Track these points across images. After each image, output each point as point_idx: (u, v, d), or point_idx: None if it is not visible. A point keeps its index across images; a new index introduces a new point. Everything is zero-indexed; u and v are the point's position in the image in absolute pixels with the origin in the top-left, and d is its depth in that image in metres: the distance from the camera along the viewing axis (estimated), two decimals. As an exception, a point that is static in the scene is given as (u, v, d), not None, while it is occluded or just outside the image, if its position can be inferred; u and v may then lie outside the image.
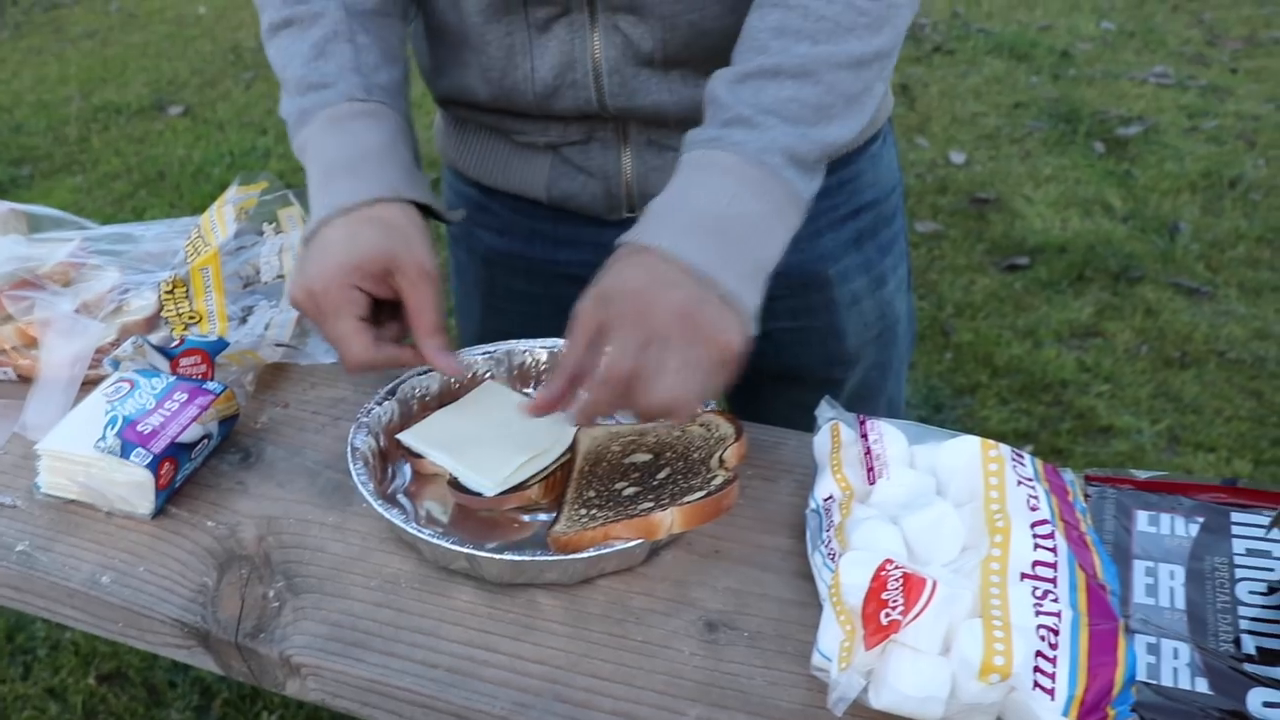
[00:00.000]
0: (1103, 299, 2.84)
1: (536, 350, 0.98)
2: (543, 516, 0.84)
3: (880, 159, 1.11)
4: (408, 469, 0.89)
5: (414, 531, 0.78)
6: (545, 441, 0.88)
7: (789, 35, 0.82)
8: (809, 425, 0.87)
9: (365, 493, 0.81)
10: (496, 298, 1.17)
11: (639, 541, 0.76)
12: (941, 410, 2.49)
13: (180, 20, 5.47)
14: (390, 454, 0.89)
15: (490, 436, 0.88)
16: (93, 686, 1.90)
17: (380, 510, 0.79)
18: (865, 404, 1.19)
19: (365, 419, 0.88)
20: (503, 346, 0.98)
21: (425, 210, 0.90)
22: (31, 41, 5.27)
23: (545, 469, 0.86)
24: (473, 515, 0.85)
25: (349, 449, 0.85)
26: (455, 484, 0.85)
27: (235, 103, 4.41)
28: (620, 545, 0.76)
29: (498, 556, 0.76)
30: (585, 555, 0.76)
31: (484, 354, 0.97)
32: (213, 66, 4.83)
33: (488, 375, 0.96)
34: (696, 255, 0.78)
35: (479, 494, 0.84)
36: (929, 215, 3.23)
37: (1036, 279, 2.94)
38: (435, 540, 0.77)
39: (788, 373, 1.13)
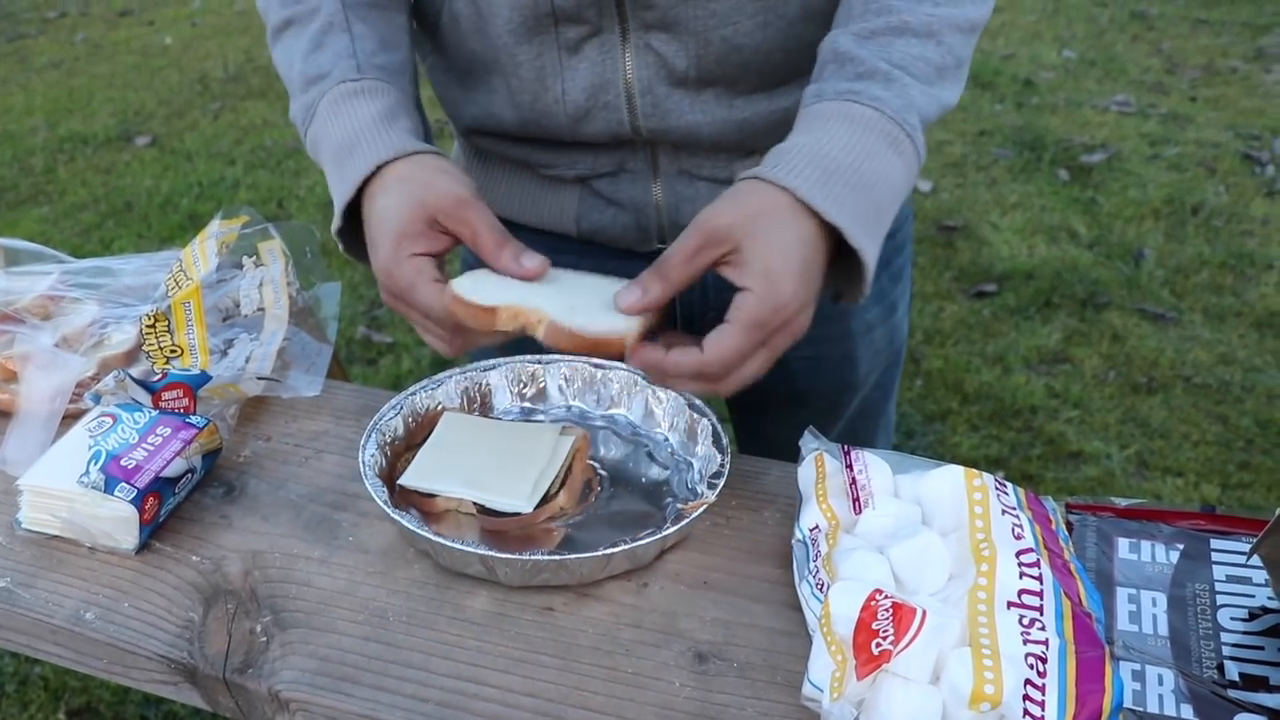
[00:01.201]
0: (1070, 325, 2.88)
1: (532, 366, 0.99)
2: (563, 523, 0.85)
3: None
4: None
5: (429, 536, 0.78)
6: (545, 452, 0.88)
7: None
8: None
9: (379, 500, 0.81)
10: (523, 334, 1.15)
11: (647, 541, 0.77)
12: (913, 437, 2.51)
13: (146, 51, 5.46)
14: (397, 501, 0.87)
15: (491, 461, 0.87)
16: (62, 723, 1.87)
17: (395, 516, 0.80)
18: (866, 424, 1.20)
19: (375, 435, 0.89)
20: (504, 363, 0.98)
21: None
22: (-4, 71, 5.24)
23: (559, 474, 0.86)
24: (504, 537, 0.84)
25: (360, 462, 0.85)
26: (484, 510, 0.84)
27: (203, 133, 4.40)
28: (629, 545, 0.77)
29: (512, 557, 0.76)
30: (596, 554, 0.76)
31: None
32: (180, 97, 4.82)
33: (439, 408, 0.95)
34: (849, 219, 0.76)
35: (515, 514, 0.83)
36: (898, 243, 3.26)
37: (1004, 305, 2.97)
38: (450, 544, 0.77)
39: (796, 397, 1.14)
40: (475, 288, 0.80)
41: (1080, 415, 2.56)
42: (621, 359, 0.79)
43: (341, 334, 2.88)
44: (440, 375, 0.96)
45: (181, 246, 1.08)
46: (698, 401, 0.92)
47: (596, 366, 0.97)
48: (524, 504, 0.84)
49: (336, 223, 0.88)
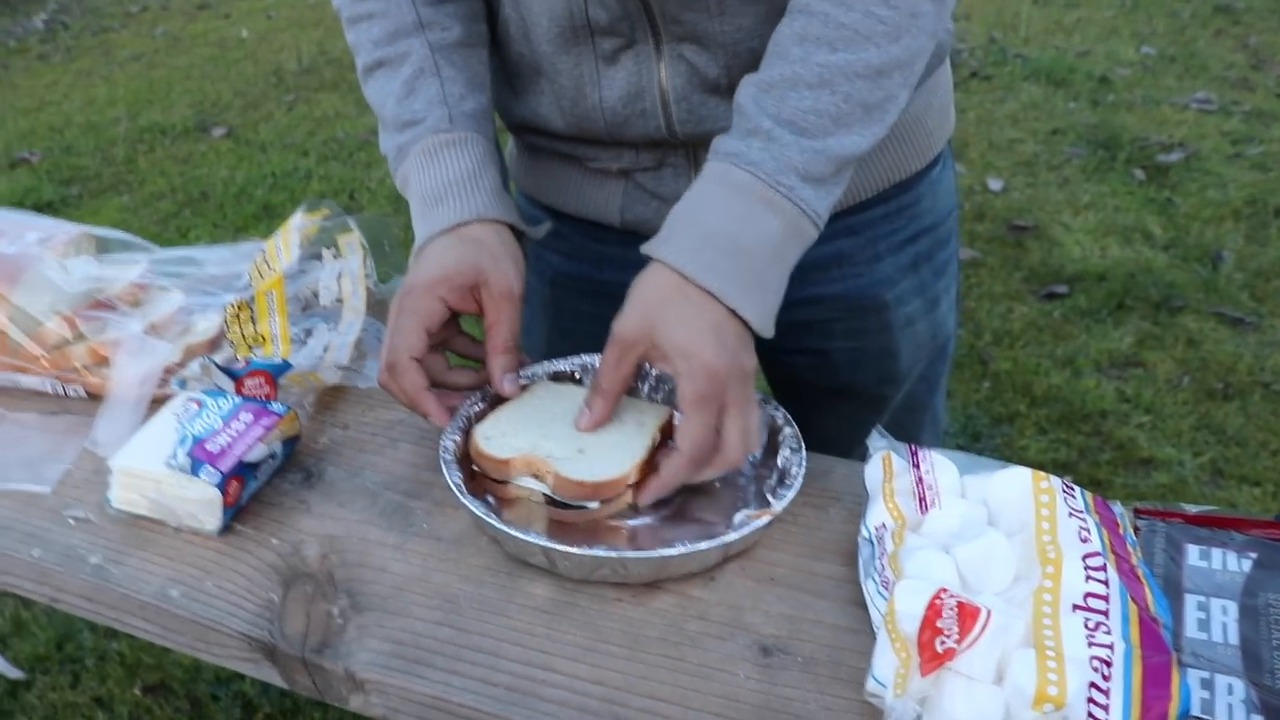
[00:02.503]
0: (1143, 328, 2.83)
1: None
2: (632, 522, 0.86)
3: (940, 183, 1.13)
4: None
5: (496, 525, 0.80)
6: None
7: (810, 42, 0.84)
8: (855, 439, 0.89)
9: (452, 483, 0.84)
10: (563, 320, 1.19)
11: (708, 546, 0.79)
12: (980, 439, 2.49)
13: (223, 43, 5.57)
14: (473, 488, 0.89)
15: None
16: (138, 697, 1.93)
17: (467, 503, 0.82)
18: (912, 416, 1.21)
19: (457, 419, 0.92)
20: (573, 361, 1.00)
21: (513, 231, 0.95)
22: (81, 64, 5.38)
23: (643, 454, 0.87)
24: (570, 529, 0.85)
25: (441, 446, 0.88)
26: (553, 502, 0.86)
27: (277, 124, 4.48)
28: (690, 549, 0.78)
29: (573, 551, 0.78)
30: (659, 554, 0.78)
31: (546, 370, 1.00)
32: (255, 89, 4.91)
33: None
34: (722, 283, 0.82)
35: (580, 507, 0.85)
36: (966, 242, 3.24)
37: (1075, 307, 2.93)
38: (516, 534, 0.79)
39: (840, 390, 1.16)
40: (493, 437, 0.88)
41: (1152, 421, 2.52)
42: (623, 494, 0.86)
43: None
44: (528, 369, 0.98)
45: (255, 236, 1.11)
46: (781, 410, 0.93)
47: None
48: (625, 467, 0.85)
49: (412, 255, 0.95)
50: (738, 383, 0.82)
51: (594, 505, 0.85)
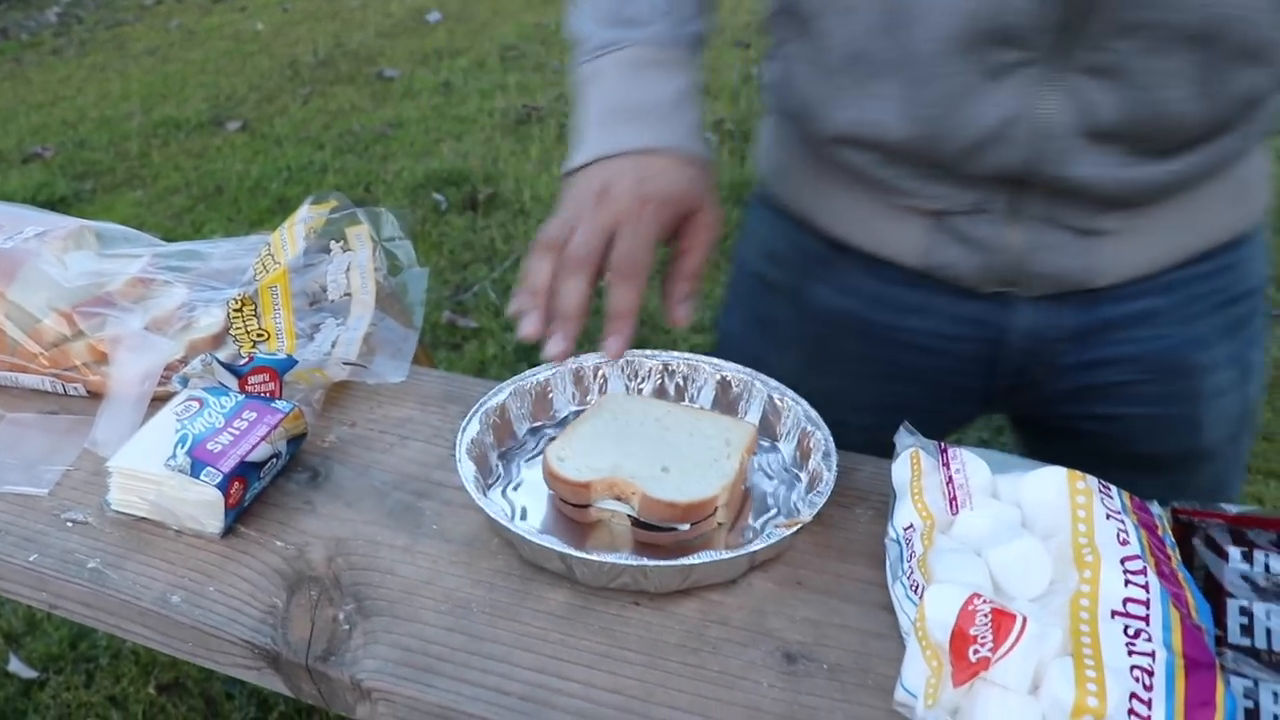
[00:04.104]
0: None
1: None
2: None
3: (1261, 246, 1.03)
4: (515, 466, 0.89)
5: (511, 528, 0.77)
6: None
7: None
8: None
9: (469, 485, 0.81)
10: (825, 359, 1.07)
11: (735, 555, 0.75)
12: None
13: (238, 37, 5.57)
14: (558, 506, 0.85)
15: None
16: (153, 696, 1.92)
17: (481, 504, 0.79)
18: (1214, 498, 1.12)
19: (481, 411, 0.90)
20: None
21: None
22: (95, 59, 5.38)
23: (733, 476, 0.83)
24: (659, 551, 0.80)
25: (459, 436, 0.86)
26: (638, 524, 0.81)
27: (292, 118, 4.47)
28: (715, 558, 0.75)
29: (591, 558, 0.75)
30: (682, 563, 0.74)
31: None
32: (270, 82, 4.90)
33: (547, 384, 0.95)
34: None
35: (671, 529, 0.81)
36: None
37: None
38: (530, 538, 0.76)
39: (1133, 462, 1.04)
40: (567, 458, 0.83)
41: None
42: (714, 514, 0.81)
43: (426, 319, 2.88)
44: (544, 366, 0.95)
45: (270, 230, 1.09)
46: (814, 414, 0.89)
47: (715, 368, 0.95)
48: (714, 486, 0.81)
49: (580, 160, 0.90)
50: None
51: (684, 527, 0.81)
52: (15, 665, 1.96)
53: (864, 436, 0.90)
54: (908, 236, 0.97)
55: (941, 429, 1.10)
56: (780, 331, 1.11)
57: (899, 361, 0.99)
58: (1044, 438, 1.13)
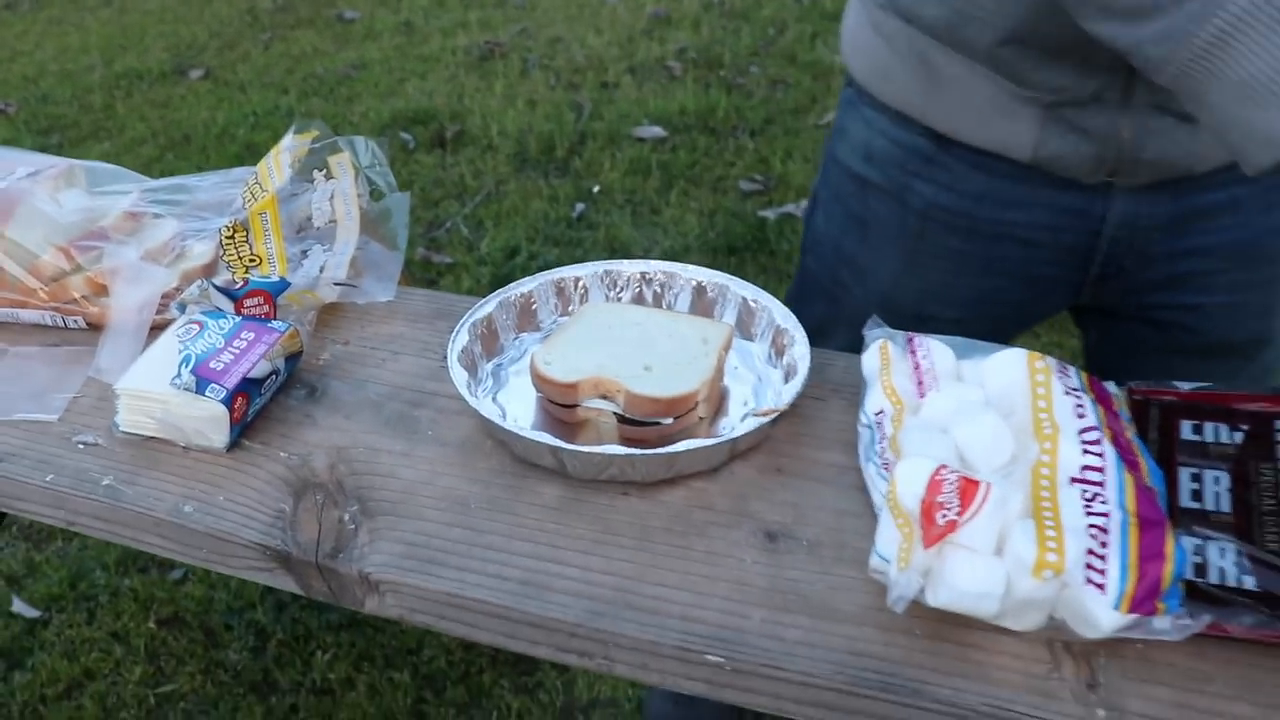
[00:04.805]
0: None
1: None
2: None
3: None
4: (504, 373, 0.94)
5: (505, 426, 0.82)
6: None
7: None
8: None
9: (462, 389, 0.86)
10: (923, 255, 1.09)
11: (716, 443, 0.80)
12: None
13: (196, -17, 5.47)
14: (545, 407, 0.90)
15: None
16: (153, 630, 1.96)
17: (474, 405, 0.84)
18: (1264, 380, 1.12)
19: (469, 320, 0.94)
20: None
21: None
22: (51, 12, 5.29)
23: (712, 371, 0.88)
24: (646, 445, 0.83)
25: (450, 345, 0.90)
26: (624, 420, 0.86)
27: (255, 64, 4.43)
28: (699, 445, 0.79)
29: (581, 450, 0.79)
30: (667, 451, 0.79)
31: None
32: (230, 29, 4.84)
33: (531, 295, 0.99)
34: None
35: (655, 423, 0.85)
36: None
37: None
38: (522, 434, 0.81)
39: (1207, 349, 1.09)
40: (554, 361, 0.88)
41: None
42: (695, 408, 0.86)
43: (401, 258, 2.91)
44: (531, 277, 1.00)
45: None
46: (787, 313, 0.93)
47: (690, 275, 1.00)
48: (693, 381, 0.86)
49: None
50: None
51: (667, 421, 0.85)
52: (19, 606, 2.00)
53: (952, 330, 0.90)
54: (1020, 129, 0.99)
55: (1027, 323, 1.14)
56: (878, 231, 1.11)
57: (997, 255, 1.00)
58: (1122, 328, 1.15)
